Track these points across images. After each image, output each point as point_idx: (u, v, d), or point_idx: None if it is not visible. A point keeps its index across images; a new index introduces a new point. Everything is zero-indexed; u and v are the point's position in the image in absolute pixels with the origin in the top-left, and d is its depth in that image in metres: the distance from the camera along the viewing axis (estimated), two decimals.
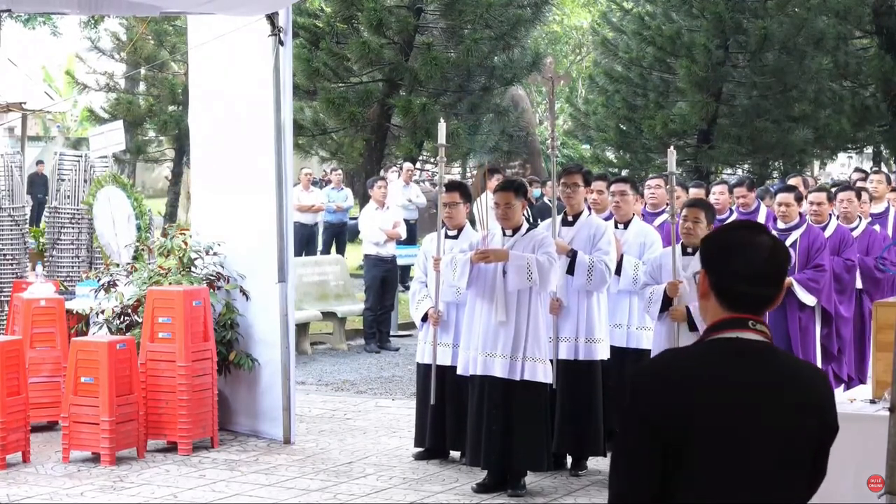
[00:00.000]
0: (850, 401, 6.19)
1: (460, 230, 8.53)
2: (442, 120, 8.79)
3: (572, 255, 8.14)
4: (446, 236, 8.50)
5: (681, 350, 3.18)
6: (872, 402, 6.03)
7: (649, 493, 2.94)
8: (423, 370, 8.62)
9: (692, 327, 7.82)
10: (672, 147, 8.42)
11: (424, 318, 8.54)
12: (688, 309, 7.81)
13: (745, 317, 2.96)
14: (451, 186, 8.68)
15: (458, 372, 8.06)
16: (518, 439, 7.68)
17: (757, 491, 2.91)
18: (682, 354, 3.11)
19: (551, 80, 8.85)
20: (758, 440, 2.90)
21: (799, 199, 9.97)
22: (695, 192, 11.61)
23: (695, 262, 8.02)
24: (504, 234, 7.93)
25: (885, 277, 10.11)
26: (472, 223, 8.95)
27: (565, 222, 8.41)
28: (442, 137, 8.45)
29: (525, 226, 7.95)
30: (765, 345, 2.96)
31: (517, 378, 7.65)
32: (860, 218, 10.41)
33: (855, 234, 10.17)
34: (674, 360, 3.06)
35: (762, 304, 3.00)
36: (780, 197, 9.98)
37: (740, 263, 2.97)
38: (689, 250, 7.98)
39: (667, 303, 7.85)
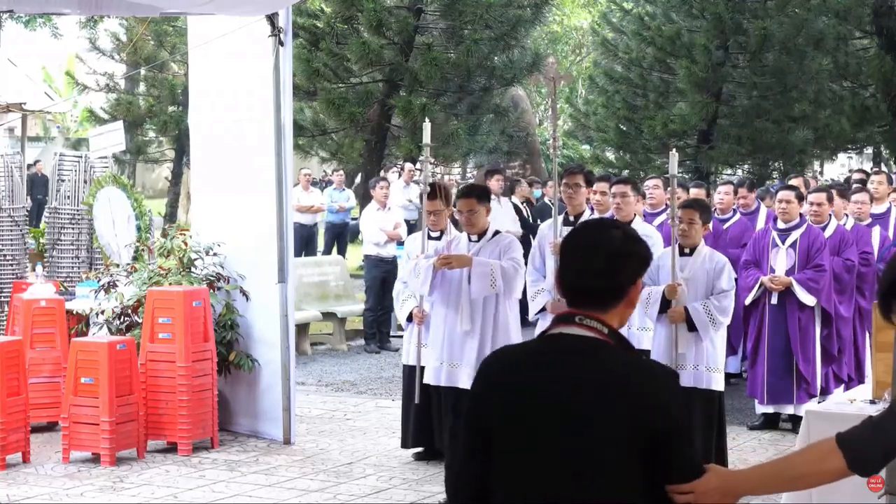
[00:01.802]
0: (850, 401, 6.19)
1: (443, 232, 8.48)
2: (427, 120, 8.67)
3: None
4: (429, 237, 8.44)
5: (517, 345, 3.24)
6: (872, 402, 6.03)
7: (467, 475, 3.06)
8: (408, 371, 8.59)
9: (691, 327, 7.84)
10: (674, 149, 8.39)
11: (410, 319, 8.50)
12: (686, 310, 7.84)
13: (573, 312, 3.01)
14: (432, 194, 8.48)
15: (426, 380, 7.93)
16: None
17: (555, 482, 2.92)
18: (514, 349, 3.18)
19: (553, 80, 8.80)
20: (559, 434, 2.91)
21: (800, 198, 9.95)
22: (696, 193, 11.64)
23: (691, 264, 8.00)
24: (469, 240, 7.81)
25: (852, 277, 10.08)
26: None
27: (567, 223, 8.38)
28: (427, 137, 8.30)
29: (491, 230, 7.83)
30: (589, 340, 2.96)
31: None
32: (831, 216, 10.31)
33: (826, 234, 10.08)
34: (503, 355, 3.15)
35: (591, 297, 3.01)
36: (781, 194, 9.97)
37: (573, 257, 3.06)
38: (686, 251, 8.02)
39: (665, 303, 7.86)
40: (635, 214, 9.09)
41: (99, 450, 8.40)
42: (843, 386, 9.61)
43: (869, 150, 31.37)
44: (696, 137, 22.15)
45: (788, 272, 9.60)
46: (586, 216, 8.39)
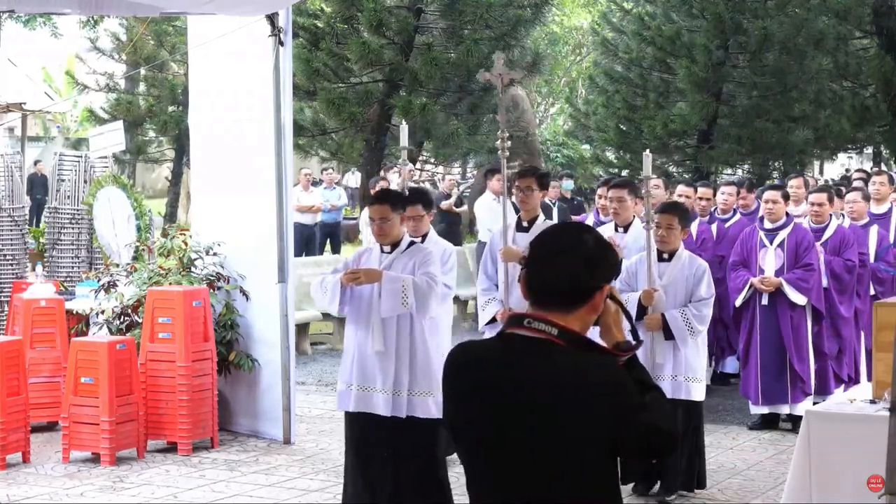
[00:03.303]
0: (850, 401, 6.19)
1: (425, 236, 7.98)
2: (403, 122, 8.27)
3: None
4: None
5: (479, 342, 3.28)
6: (872, 402, 6.03)
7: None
8: None
9: (668, 335, 7.60)
10: (647, 151, 8.16)
11: None
12: (663, 317, 7.61)
13: (523, 314, 3.03)
14: (411, 198, 7.92)
15: (338, 407, 7.34)
16: (406, 480, 6.90)
17: (522, 482, 2.95)
18: (477, 346, 3.22)
19: (500, 77, 8.04)
20: (523, 434, 2.95)
21: (786, 197, 9.88)
22: (703, 192, 11.69)
23: (670, 269, 7.74)
24: (382, 251, 7.05)
25: (852, 277, 10.05)
26: (472, 224, 8.83)
27: (520, 228, 7.97)
28: (404, 139, 7.93)
29: (406, 240, 7.08)
30: (538, 342, 2.98)
31: (402, 415, 6.86)
32: (831, 216, 10.29)
33: (826, 234, 10.07)
34: (465, 352, 3.18)
35: (557, 299, 3.02)
36: (768, 195, 9.87)
37: (545, 259, 3.06)
38: (665, 257, 7.77)
39: (641, 310, 7.61)
40: (634, 216, 9.00)
41: (99, 450, 8.40)
42: (843, 386, 9.60)
43: (869, 150, 31.38)
44: (696, 137, 22.13)
45: (778, 272, 9.54)
46: (540, 221, 7.99)
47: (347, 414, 7.11)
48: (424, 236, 7.97)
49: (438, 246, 7.88)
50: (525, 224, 7.98)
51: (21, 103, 20.13)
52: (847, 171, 22.78)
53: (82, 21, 24.88)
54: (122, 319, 9.36)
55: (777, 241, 9.62)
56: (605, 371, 2.97)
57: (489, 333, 7.76)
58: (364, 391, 6.94)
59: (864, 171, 17.75)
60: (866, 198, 10.97)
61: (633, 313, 7.53)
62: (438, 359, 6.82)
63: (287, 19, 9.03)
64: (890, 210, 11.18)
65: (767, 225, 9.72)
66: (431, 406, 6.85)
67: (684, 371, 7.60)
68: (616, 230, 8.84)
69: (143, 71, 25.45)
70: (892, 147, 25.94)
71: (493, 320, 7.88)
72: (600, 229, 9.15)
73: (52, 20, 27.31)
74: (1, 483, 7.94)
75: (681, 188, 11.68)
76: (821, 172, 37.89)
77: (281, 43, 8.98)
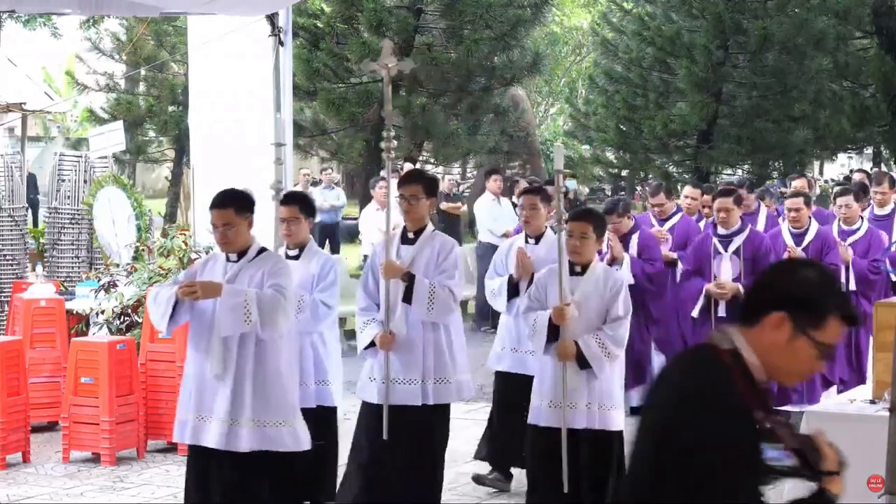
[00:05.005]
0: (850, 401, 6.19)
1: (303, 247, 7.16)
2: (280, 114, 7.87)
3: (409, 279, 6.62)
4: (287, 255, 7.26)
5: None
6: (872, 402, 6.03)
7: None
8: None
9: (583, 364, 6.44)
10: (559, 142, 7.68)
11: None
12: (577, 344, 6.41)
13: None
14: (288, 199, 7.02)
15: (174, 439, 6.51)
16: None
17: None
18: None
19: (386, 67, 7.00)
20: None
21: (738, 202, 9.29)
22: (706, 193, 11.68)
23: (584, 284, 6.56)
24: (228, 259, 6.20)
25: (880, 279, 9.94)
26: (472, 224, 8.77)
27: (405, 240, 6.85)
28: (288, 136, 7.50)
29: (255, 248, 6.20)
30: None
31: (240, 449, 5.97)
32: (811, 219, 10.05)
33: (807, 240, 9.91)
34: None
35: None
36: (718, 202, 9.16)
37: None
38: (578, 269, 6.60)
39: (553, 330, 6.45)
40: (547, 227, 7.93)
41: (99, 450, 8.41)
42: (835, 388, 9.29)
43: (869, 150, 31.37)
44: (696, 137, 22.15)
45: (735, 281, 8.98)
46: (428, 232, 6.83)
47: (189, 447, 6.24)
48: (303, 247, 7.14)
49: (319, 258, 7.17)
50: (411, 235, 6.85)
51: (21, 103, 20.12)
52: (851, 171, 22.75)
53: (82, 21, 24.87)
54: (122, 319, 9.36)
55: (732, 247, 9.07)
56: None
57: (371, 359, 6.81)
58: (199, 420, 6.05)
59: (865, 172, 17.75)
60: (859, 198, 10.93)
61: (545, 335, 6.48)
62: (292, 387, 6.18)
63: (287, 19, 9.04)
64: (892, 212, 11.14)
65: (721, 231, 9.09)
66: (286, 437, 6.05)
67: (598, 398, 6.50)
68: (527, 241, 7.91)
69: (143, 71, 25.45)
70: (892, 147, 25.95)
71: (372, 344, 6.76)
72: (509, 240, 8.79)
73: (52, 20, 27.27)
74: (1, 483, 7.94)
75: (687, 189, 11.64)
76: (821, 172, 37.89)
77: (281, 43, 9.00)
